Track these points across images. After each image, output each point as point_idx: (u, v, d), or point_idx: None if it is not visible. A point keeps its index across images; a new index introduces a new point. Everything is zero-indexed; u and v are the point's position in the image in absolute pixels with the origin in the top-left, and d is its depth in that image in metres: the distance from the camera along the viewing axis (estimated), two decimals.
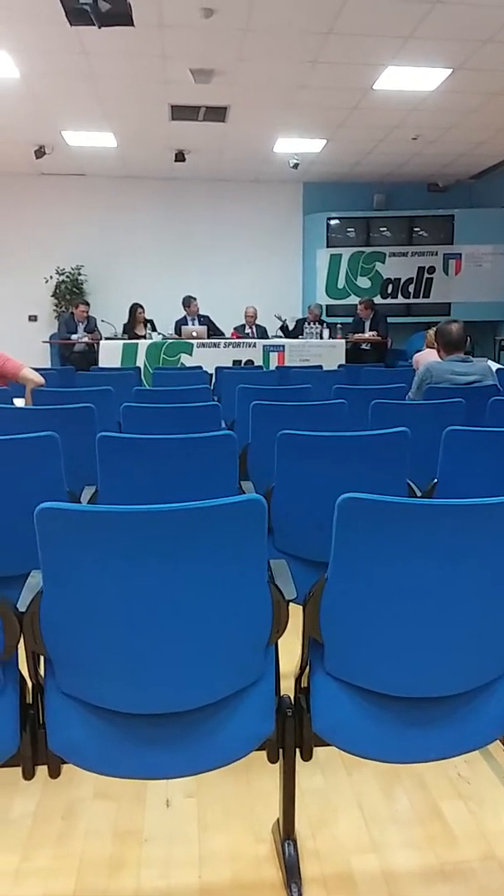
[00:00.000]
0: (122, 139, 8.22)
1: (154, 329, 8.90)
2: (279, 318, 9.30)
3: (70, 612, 1.38)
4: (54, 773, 1.55)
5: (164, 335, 8.76)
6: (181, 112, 7.21)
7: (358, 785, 2.06)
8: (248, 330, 9.08)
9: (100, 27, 4.71)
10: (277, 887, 1.69)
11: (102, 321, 8.92)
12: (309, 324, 9.09)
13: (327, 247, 10.30)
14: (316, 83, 6.39)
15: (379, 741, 1.53)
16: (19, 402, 4.08)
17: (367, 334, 9.07)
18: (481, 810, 1.95)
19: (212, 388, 5.63)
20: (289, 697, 1.61)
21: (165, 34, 5.37)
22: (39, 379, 3.98)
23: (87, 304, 8.95)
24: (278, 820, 1.80)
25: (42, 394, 3.94)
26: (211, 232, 10.33)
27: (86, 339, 8.63)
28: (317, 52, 5.69)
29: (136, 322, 8.93)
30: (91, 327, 8.81)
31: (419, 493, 2.63)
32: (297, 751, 1.63)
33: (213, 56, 5.81)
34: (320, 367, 6.74)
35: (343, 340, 8.83)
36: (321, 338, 8.86)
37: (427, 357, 4.89)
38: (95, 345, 8.47)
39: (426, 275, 10.26)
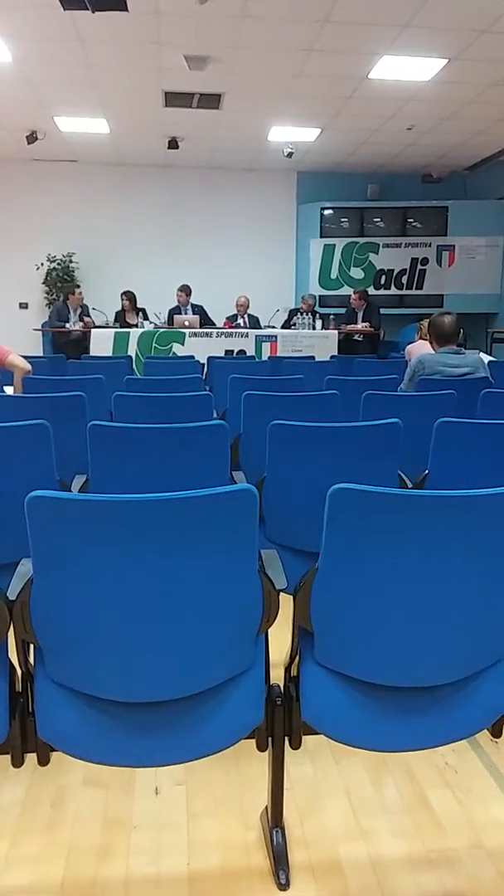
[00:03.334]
0: (115, 125, 8.16)
1: (146, 318, 8.86)
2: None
3: (60, 600, 1.38)
4: (43, 761, 1.56)
5: (155, 324, 8.73)
6: (175, 99, 7.15)
7: (346, 773, 2.07)
8: (239, 320, 9.05)
9: (93, 12, 4.66)
10: (265, 874, 1.70)
11: (94, 309, 8.88)
12: (301, 314, 9.08)
13: (321, 237, 10.27)
14: (311, 71, 6.35)
15: (367, 730, 1.54)
16: (9, 390, 4.07)
17: (360, 325, 9.07)
18: (468, 799, 1.97)
19: (203, 377, 5.62)
20: (278, 686, 1.62)
21: (160, 20, 5.32)
22: (26, 365, 3.96)
23: (80, 288, 8.89)
24: (267, 808, 1.81)
25: (33, 382, 3.92)
26: (204, 220, 10.27)
27: (79, 327, 8.58)
28: (312, 40, 5.65)
29: (125, 310, 8.90)
30: (86, 313, 8.77)
31: (410, 484, 2.63)
32: (286, 739, 1.63)
33: (207, 43, 5.76)
34: (313, 357, 6.73)
35: (336, 331, 8.82)
36: (313, 328, 8.85)
37: (419, 349, 4.90)
38: (88, 333, 8.43)
39: (419, 266, 10.25)
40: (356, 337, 9.06)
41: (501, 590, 1.46)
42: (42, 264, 9.94)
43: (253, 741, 1.62)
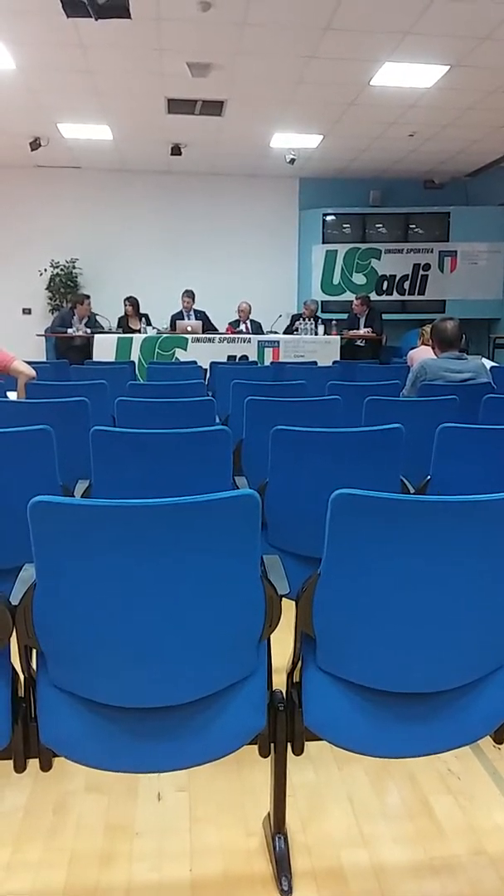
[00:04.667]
0: (118, 132, 8.19)
1: (149, 323, 8.88)
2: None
3: (63, 605, 1.38)
4: (46, 767, 1.55)
5: (158, 329, 8.74)
6: (177, 106, 7.18)
7: (348, 779, 2.07)
8: (241, 325, 9.07)
9: (96, 20, 4.69)
10: (268, 881, 1.69)
11: (98, 315, 8.89)
12: (304, 320, 9.09)
13: (323, 243, 10.29)
14: (313, 78, 6.38)
15: (370, 736, 1.54)
16: (12, 396, 4.08)
17: (362, 331, 9.08)
18: (471, 805, 1.96)
19: (206, 383, 5.62)
20: (281, 692, 1.62)
21: (162, 27, 5.34)
22: (30, 371, 3.97)
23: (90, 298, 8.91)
24: (269, 814, 1.81)
25: (36, 387, 3.93)
26: (206, 227, 10.30)
27: (81, 333, 8.59)
28: (314, 47, 5.68)
29: (128, 316, 8.91)
30: (92, 323, 8.78)
31: (412, 490, 2.63)
32: (289, 745, 1.63)
33: (210, 50, 5.79)
34: (315, 363, 6.74)
35: (338, 337, 8.83)
36: (316, 334, 8.86)
37: (422, 354, 4.90)
38: (91, 339, 8.45)
39: (421, 272, 10.26)
40: (358, 342, 9.06)
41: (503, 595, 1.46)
42: (45, 270, 9.97)
43: (255, 747, 1.61)
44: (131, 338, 8.35)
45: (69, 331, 8.61)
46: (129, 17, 4.77)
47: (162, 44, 5.66)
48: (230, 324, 9.06)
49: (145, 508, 1.29)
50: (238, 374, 4.61)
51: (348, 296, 9.86)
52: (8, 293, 10.03)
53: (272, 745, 1.63)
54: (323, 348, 8.45)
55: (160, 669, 1.42)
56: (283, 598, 1.50)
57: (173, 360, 8.14)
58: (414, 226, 10.30)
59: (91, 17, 4.66)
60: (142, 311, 8.99)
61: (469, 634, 1.48)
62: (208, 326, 8.85)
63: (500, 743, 1.67)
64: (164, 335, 8.49)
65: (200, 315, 8.93)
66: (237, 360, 8.09)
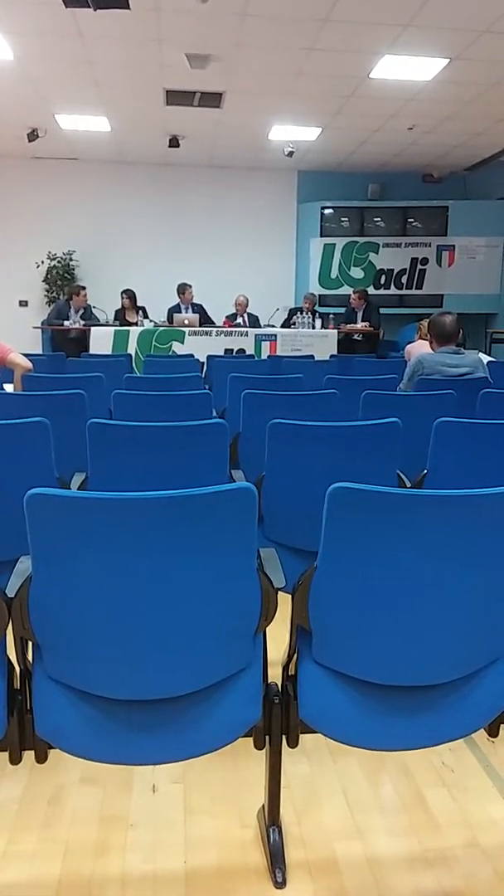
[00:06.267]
0: (116, 124, 8.16)
1: (146, 316, 8.86)
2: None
3: (59, 597, 1.38)
4: (41, 758, 1.56)
5: (155, 322, 8.72)
6: (176, 97, 7.15)
7: (343, 772, 2.07)
8: (239, 319, 9.05)
9: (95, 10, 4.66)
10: (262, 872, 1.70)
11: (94, 307, 8.87)
12: (302, 313, 9.07)
13: (321, 236, 10.26)
14: (312, 70, 6.35)
15: (364, 729, 1.54)
16: (9, 388, 4.07)
17: (360, 325, 9.07)
18: (465, 798, 1.97)
19: (203, 376, 5.62)
20: (276, 685, 1.62)
21: (161, 18, 5.31)
22: (27, 364, 3.96)
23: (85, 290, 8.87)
24: (264, 806, 1.82)
25: (32, 380, 3.92)
26: (204, 219, 10.27)
27: (78, 326, 8.56)
28: (313, 39, 5.65)
29: (125, 308, 8.89)
30: (88, 314, 8.75)
31: (409, 484, 2.64)
32: (284, 738, 1.64)
33: (209, 41, 5.76)
34: (312, 356, 6.73)
35: (335, 330, 8.82)
36: (313, 328, 8.86)
37: (419, 348, 4.90)
38: (88, 331, 8.43)
39: (419, 266, 10.25)
40: (356, 336, 9.05)
41: (499, 589, 1.46)
42: (42, 262, 9.94)
43: (250, 739, 1.62)
44: (128, 331, 8.33)
45: (66, 323, 8.58)
46: (127, 7, 4.76)
47: (161, 35, 5.63)
48: (227, 317, 9.04)
49: (142, 501, 1.29)
50: (235, 368, 4.60)
51: (346, 289, 9.85)
52: (5, 285, 10.00)
53: (267, 737, 1.64)
54: (320, 342, 8.45)
55: (156, 662, 1.42)
56: (280, 592, 1.51)
57: (170, 353, 8.12)
58: (412, 220, 10.28)
59: (90, 7, 4.64)
60: (139, 303, 8.96)
61: (464, 628, 1.48)
62: (205, 320, 8.82)
63: (494, 736, 1.68)
64: (161, 328, 8.48)
65: (197, 308, 8.91)
66: (234, 353, 8.08)
